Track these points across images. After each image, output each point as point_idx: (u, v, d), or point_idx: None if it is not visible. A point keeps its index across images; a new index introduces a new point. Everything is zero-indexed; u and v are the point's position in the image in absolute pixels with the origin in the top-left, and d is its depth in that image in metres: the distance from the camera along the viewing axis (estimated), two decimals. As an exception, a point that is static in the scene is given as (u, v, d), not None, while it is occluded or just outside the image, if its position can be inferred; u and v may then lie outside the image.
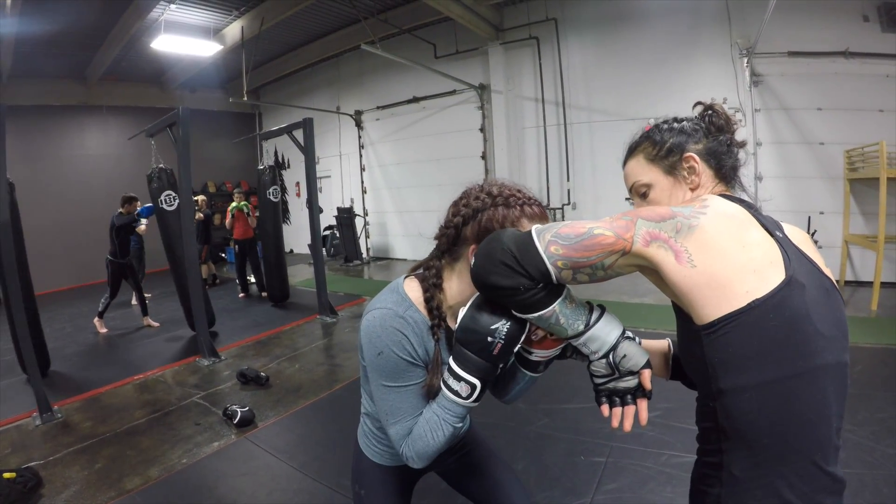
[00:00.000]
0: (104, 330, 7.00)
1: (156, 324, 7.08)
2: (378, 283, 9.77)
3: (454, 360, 1.18)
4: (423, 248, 11.62)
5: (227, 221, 8.91)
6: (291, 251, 14.37)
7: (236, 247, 9.00)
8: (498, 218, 1.23)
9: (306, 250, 12.69)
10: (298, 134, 7.19)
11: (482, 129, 10.73)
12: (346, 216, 11.92)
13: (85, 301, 9.29)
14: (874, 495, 2.76)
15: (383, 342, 1.24)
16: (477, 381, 1.16)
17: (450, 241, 1.30)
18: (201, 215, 9.09)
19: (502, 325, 1.11)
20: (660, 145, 1.25)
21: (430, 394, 1.26)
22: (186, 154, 5.60)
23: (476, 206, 1.26)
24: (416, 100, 11.44)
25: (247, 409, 3.99)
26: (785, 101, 8.48)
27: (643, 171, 1.26)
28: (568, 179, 10.00)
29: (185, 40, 9.16)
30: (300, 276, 10.61)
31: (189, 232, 5.90)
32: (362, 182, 13.06)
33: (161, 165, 6.17)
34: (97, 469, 3.42)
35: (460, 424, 1.23)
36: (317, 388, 4.70)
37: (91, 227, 11.12)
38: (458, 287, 1.31)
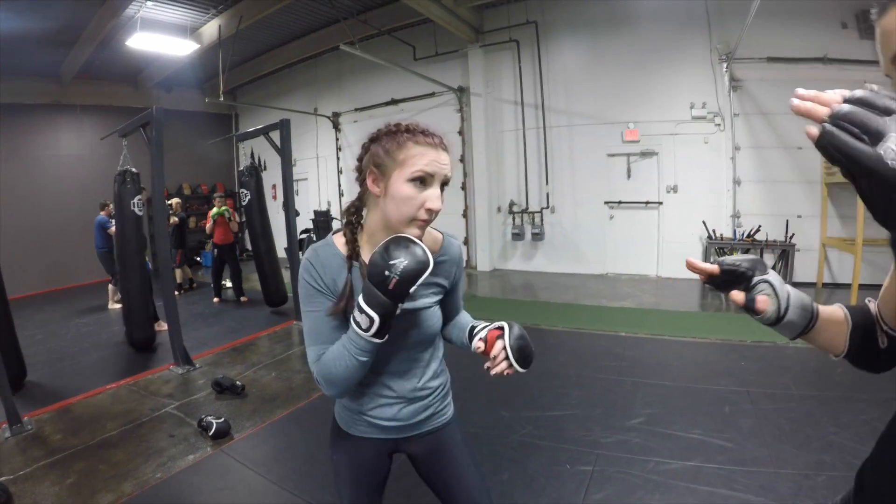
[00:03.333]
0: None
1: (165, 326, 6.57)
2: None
3: (362, 294, 1.25)
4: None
5: (209, 226, 8.72)
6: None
7: (215, 251, 8.81)
8: (383, 143, 1.30)
9: (282, 254, 12.47)
10: (275, 135, 7.04)
11: (461, 132, 10.64)
12: (322, 219, 11.74)
13: (56, 306, 9.04)
14: None
15: (300, 273, 1.38)
16: (375, 316, 1.22)
17: (359, 174, 1.38)
18: (176, 219, 8.90)
19: (399, 263, 1.19)
20: None
21: (335, 315, 1.35)
22: (160, 155, 5.43)
23: (372, 135, 1.35)
24: (394, 102, 11.32)
25: (222, 420, 3.85)
26: (764, 105, 8.57)
27: None
28: (547, 183, 9.98)
29: (161, 38, 8.93)
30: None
31: (162, 234, 5.74)
32: (339, 185, 12.91)
33: (128, 167, 5.98)
34: (69, 484, 3.26)
35: (364, 358, 1.30)
36: (294, 397, 4.57)
37: (63, 228, 10.85)
38: (371, 219, 1.38)
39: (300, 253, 7.37)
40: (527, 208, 10.25)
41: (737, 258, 1.09)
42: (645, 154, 9.25)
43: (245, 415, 4.23)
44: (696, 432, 3.58)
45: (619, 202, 9.53)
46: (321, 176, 13.37)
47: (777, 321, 1.06)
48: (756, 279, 1.07)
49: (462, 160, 10.68)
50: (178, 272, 9.28)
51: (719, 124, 8.73)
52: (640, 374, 4.78)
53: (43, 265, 11.11)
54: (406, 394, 1.51)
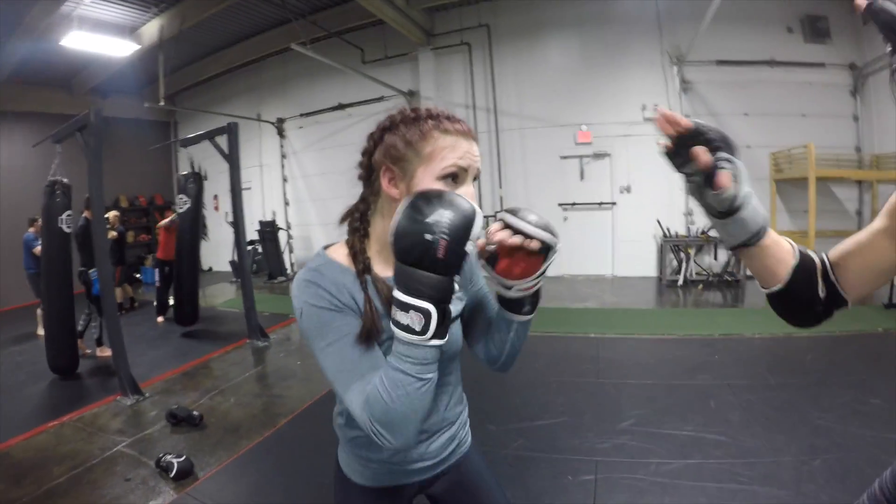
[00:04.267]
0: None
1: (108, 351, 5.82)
2: None
3: (398, 286, 0.93)
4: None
5: (161, 238, 8.14)
6: (210, 269, 13.47)
7: (165, 268, 8.15)
8: (403, 133, 1.05)
9: (227, 267, 11.99)
10: (221, 141, 6.65)
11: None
12: (268, 230, 11.28)
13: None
14: (859, 478, 2.80)
15: (301, 301, 1.04)
16: (429, 305, 0.91)
17: (367, 174, 1.13)
18: (115, 233, 8.29)
19: (442, 218, 0.90)
20: None
21: (368, 341, 1.02)
22: (98, 163, 4.96)
23: (384, 124, 1.10)
24: (341, 107, 11.00)
25: (183, 458, 3.46)
26: (713, 107, 8.83)
27: None
28: (500, 186, 9.88)
29: (99, 38, 8.37)
30: (223, 296, 9.94)
31: (102, 251, 5.25)
32: (284, 194, 12.44)
33: (59, 178, 5.50)
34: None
35: (429, 375, 0.96)
36: (259, 426, 4.20)
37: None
38: (382, 226, 1.12)
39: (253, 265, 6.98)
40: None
41: (706, 127, 0.96)
42: (598, 156, 9.34)
43: (207, 449, 3.84)
44: (689, 429, 3.57)
45: (573, 204, 9.59)
46: (265, 185, 12.80)
47: (731, 211, 0.93)
48: (721, 154, 0.94)
49: (413, 166, 10.47)
50: (118, 291, 8.65)
51: None
52: (620, 375, 4.74)
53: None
54: (432, 426, 1.25)
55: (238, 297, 6.87)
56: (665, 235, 8.72)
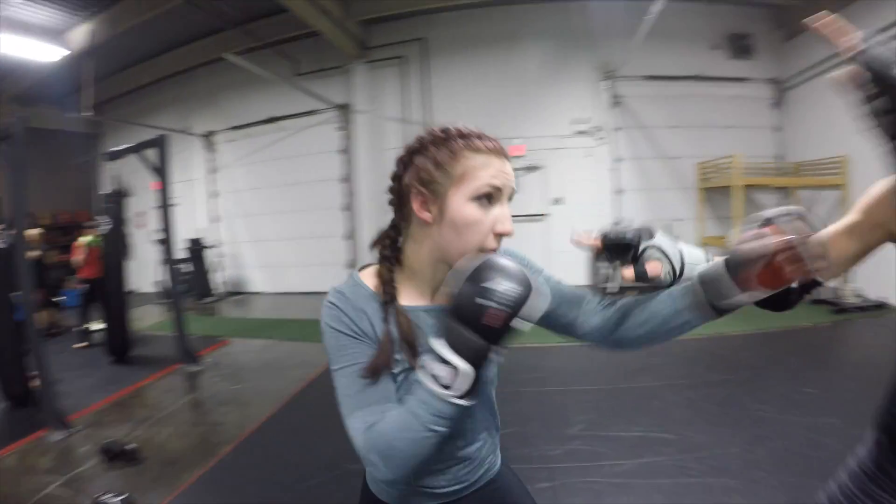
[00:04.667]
0: None
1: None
2: (240, 320, 8.93)
3: (440, 333, 0.92)
4: (281, 279, 11.10)
5: (78, 259, 7.52)
6: (134, 291, 12.68)
7: (87, 288, 7.58)
8: (433, 154, 1.02)
9: (153, 288, 11.41)
10: (150, 154, 6.34)
11: (343, 151, 10.33)
12: (196, 248, 10.86)
13: None
14: (802, 461, 3.04)
15: (323, 321, 1.04)
16: (465, 365, 0.88)
17: (397, 198, 1.10)
18: (37, 253, 7.68)
19: (503, 288, 0.87)
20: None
21: (375, 374, 1.00)
22: (21, 177, 4.59)
23: (412, 146, 1.07)
24: (273, 120, 10.76)
25: (124, 496, 3.24)
26: (643, 120, 9.16)
27: None
28: (435, 201, 9.85)
29: (26, 42, 7.87)
30: (150, 318, 9.45)
31: (25, 273, 4.85)
32: (214, 210, 12.02)
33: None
34: None
35: (441, 429, 0.92)
36: (200, 457, 3.93)
37: None
38: (415, 252, 1.09)
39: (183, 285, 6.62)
40: (415, 229, 10.05)
41: (621, 229, 1.09)
42: (531, 168, 9.48)
43: (146, 485, 3.57)
44: (637, 430, 3.68)
45: None
46: (194, 201, 12.22)
47: (674, 283, 1.04)
48: (644, 245, 1.07)
49: (345, 180, 10.37)
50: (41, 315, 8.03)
51: (602, 138, 9.19)
52: (563, 383, 4.81)
53: None
54: (468, 453, 1.19)
55: (167, 319, 6.52)
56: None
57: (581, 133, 9.28)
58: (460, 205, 1.00)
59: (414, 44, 9.68)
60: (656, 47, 8.62)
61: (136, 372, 6.22)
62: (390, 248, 1.11)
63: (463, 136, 1.03)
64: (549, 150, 9.38)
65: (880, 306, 6.64)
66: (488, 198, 1.01)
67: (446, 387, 0.89)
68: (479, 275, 0.90)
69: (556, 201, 9.48)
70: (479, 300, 0.87)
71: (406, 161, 1.06)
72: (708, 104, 9.12)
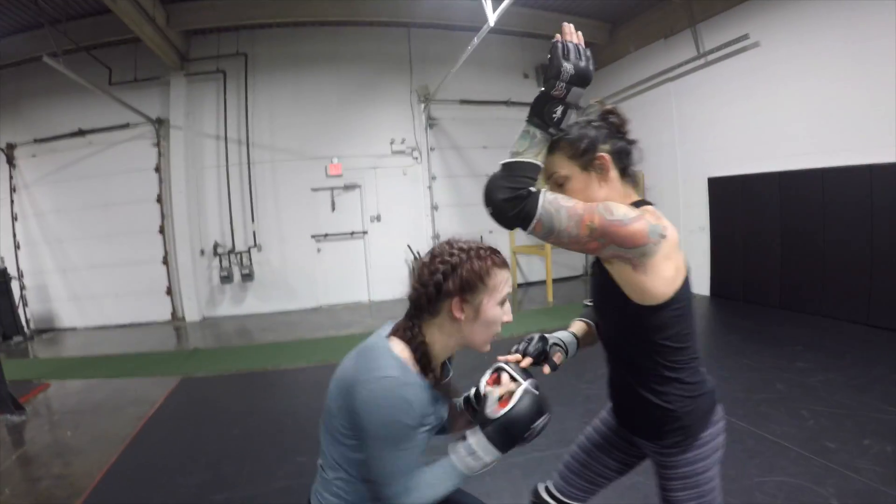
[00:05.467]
0: None
1: None
2: (56, 360, 7.75)
3: (478, 443, 1.30)
4: (95, 311, 10.04)
5: None
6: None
7: None
8: (476, 269, 1.33)
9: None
10: None
11: (158, 169, 9.75)
12: (0, 280, 9.60)
13: None
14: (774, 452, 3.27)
15: (392, 414, 1.24)
16: (491, 460, 1.32)
17: (430, 298, 1.34)
18: None
19: (542, 422, 1.33)
20: (576, 144, 1.45)
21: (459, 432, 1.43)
22: None
23: (454, 261, 1.33)
24: (81, 133, 9.88)
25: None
26: (456, 140, 9.58)
27: (562, 165, 1.48)
28: (253, 220, 9.57)
29: None
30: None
31: None
32: (14, 235, 10.62)
33: None
34: None
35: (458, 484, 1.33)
36: None
37: None
38: (439, 340, 1.38)
39: None
40: (233, 249, 9.63)
41: (533, 345, 1.63)
42: (348, 187, 9.60)
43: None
44: None
45: (326, 235, 9.74)
46: None
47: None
48: (549, 344, 1.67)
49: (159, 200, 9.76)
50: None
51: (417, 157, 9.49)
52: None
53: None
54: None
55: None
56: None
57: (398, 153, 9.51)
58: (491, 308, 1.35)
59: (236, 58, 9.53)
60: (471, 75, 9.11)
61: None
62: (421, 336, 1.36)
63: (491, 254, 1.38)
64: (366, 168, 9.58)
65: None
66: (502, 302, 1.38)
67: (475, 470, 1.31)
68: (539, 407, 1.34)
69: (374, 219, 9.56)
70: (531, 428, 1.31)
71: (446, 272, 1.33)
72: (518, 126, 9.22)
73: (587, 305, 1.90)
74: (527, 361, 1.56)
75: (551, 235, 1.37)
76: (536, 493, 1.94)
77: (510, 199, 1.35)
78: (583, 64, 1.34)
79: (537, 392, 1.36)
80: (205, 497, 3.29)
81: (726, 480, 1.75)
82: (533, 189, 1.37)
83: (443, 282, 1.32)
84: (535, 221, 1.35)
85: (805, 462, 3.10)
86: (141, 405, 5.22)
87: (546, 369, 1.61)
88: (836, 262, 6.23)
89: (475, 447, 1.29)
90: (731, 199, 7.65)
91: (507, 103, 9.70)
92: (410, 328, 1.37)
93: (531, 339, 1.64)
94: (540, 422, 1.32)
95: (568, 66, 1.32)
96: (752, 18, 6.94)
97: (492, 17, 6.04)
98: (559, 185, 1.49)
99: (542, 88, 1.37)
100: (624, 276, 1.38)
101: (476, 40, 6.91)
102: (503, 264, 1.39)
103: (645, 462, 1.83)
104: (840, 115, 6.02)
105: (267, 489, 3.35)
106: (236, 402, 5.23)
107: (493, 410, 1.32)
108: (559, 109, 1.38)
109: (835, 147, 6.10)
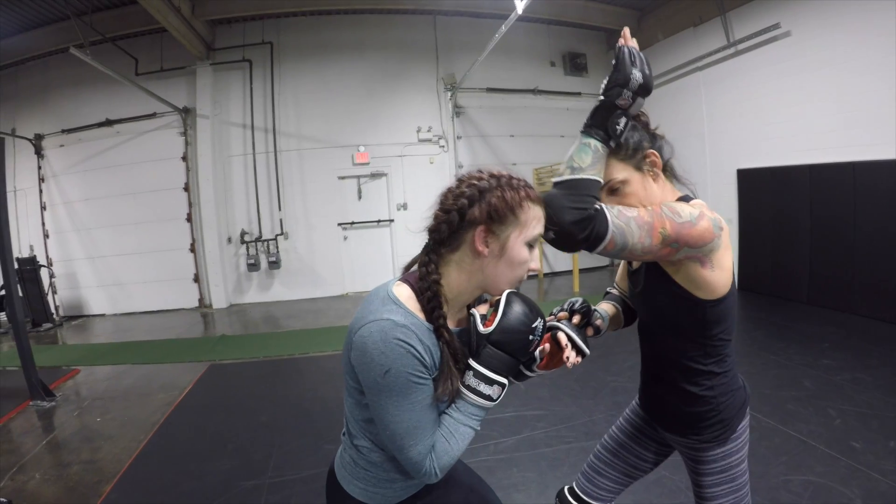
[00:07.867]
0: None
1: None
2: (86, 347, 7.81)
3: (482, 363, 1.17)
4: (123, 299, 10.18)
5: None
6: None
7: None
8: (507, 198, 1.16)
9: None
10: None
11: (185, 158, 9.82)
12: (29, 268, 9.57)
13: None
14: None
15: (388, 359, 1.09)
16: (506, 381, 1.19)
17: (451, 227, 1.17)
18: None
19: (540, 323, 1.20)
20: (627, 145, 1.38)
21: (440, 400, 1.17)
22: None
23: (482, 186, 1.18)
24: (109, 123, 9.98)
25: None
26: (483, 129, 9.54)
27: (617, 169, 1.39)
28: (279, 208, 9.61)
29: None
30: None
31: None
32: (43, 224, 10.81)
33: None
34: None
35: (479, 428, 1.22)
36: (82, 499, 3.35)
37: None
38: (457, 279, 1.22)
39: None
40: (260, 236, 9.70)
41: (580, 304, 1.55)
42: (375, 175, 9.60)
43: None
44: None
45: (352, 223, 9.75)
46: (20, 214, 11.01)
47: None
48: (588, 316, 1.57)
49: (186, 189, 9.84)
50: None
51: (444, 146, 9.42)
52: None
53: None
54: None
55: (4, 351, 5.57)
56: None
57: (424, 141, 9.49)
58: (519, 246, 1.18)
59: (262, 47, 9.53)
60: (498, 62, 9.05)
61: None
62: (435, 273, 1.19)
63: (523, 185, 1.20)
64: (393, 157, 9.57)
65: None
66: (531, 244, 1.22)
67: (495, 400, 1.19)
68: (528, 310, 1.19)
69: (401, 207, 9.60)
70: (529, 335, 1.18)
71: (472, 197, 1.16)
72: (544, 115, 9.84)
73: (608, 293, 1.87)
74: (577, 318, 1.49)
75: (624, 251, 1.27)
76: (562, 496, 1.85)
77: (579, 222, 1.23)
78: (648, 72, 1.26)
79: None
80: (233, 483, 3.33)
81: (753, 478, 1.72)
82: (598, 207, 1.26)
83: (468, 207, 1.15)
84: (606, 240, 1.25)
85: (831, 462, 3.08)
86: (169, 391, 5.32)
87: (590, 331, 1.52)
88: (866, 258, 6.12)
89: (483, 371, 1.16)
90: (760, 191, 7.53)
91: (534, 91, 9.66)
92: (426, 264, 1.20)
93: (574, 301, 1.55)
94: (538, 323, 1.18)
95: (637, 74, 1.24)
96: (784, 7, 6.82)
97: (520, 5, 5.97)
98: (613, 192, 1.40)
99: (603, 97, 1.27)
100: (692, 274, 1.32)
101: (504, 28, 6.85)
102: (538, 200, 1.21)
103: (672, 456, 1.82)
104: (872, 108, 5.90)
105: (295, 477, 3.38)
106: (264, 388, 5.29)
107: (484, 327, 1.18)
108: (623, 121, 1.29)
109: (866, 140, 5.99)
